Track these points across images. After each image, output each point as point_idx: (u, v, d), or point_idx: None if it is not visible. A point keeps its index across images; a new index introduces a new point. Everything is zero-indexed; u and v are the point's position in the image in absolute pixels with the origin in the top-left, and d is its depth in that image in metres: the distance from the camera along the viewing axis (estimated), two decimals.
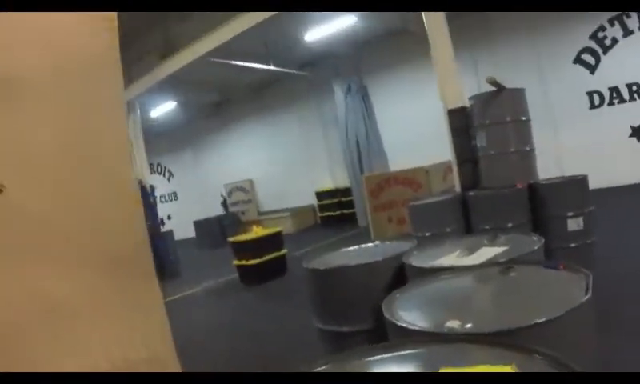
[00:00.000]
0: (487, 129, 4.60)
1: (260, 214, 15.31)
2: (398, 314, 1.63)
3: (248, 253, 7.69)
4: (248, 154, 15.73)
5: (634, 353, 2.79)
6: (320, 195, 13.80)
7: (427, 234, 4.19)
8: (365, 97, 11.28)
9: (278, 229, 8.20)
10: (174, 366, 1.67)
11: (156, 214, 10.27)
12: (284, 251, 8.03)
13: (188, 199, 18.36)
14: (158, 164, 19.49)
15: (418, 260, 2.36)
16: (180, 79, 10.85)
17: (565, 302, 1.41)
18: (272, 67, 10.94)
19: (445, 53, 5.42)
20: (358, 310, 2.48)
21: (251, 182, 15.64)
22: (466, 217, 4.42)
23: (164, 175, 19.44)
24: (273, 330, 5.12)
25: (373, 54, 11.57)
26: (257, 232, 7.99)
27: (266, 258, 7.61)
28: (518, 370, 1.07)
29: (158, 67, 9.43)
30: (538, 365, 1.11)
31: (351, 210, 12.15)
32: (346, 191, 12.53)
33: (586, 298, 1.44)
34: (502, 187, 4.35)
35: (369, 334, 2.31)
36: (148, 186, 10.11)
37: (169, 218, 19.40)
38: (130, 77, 10.02)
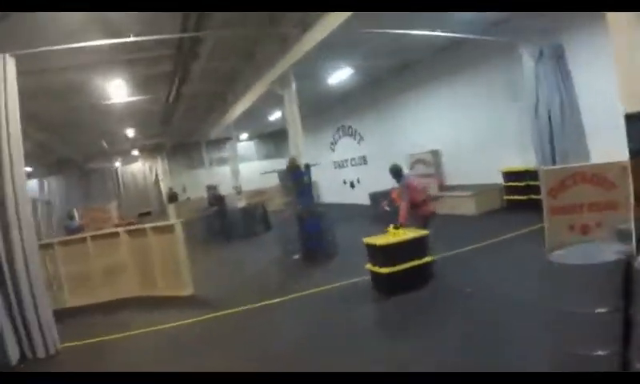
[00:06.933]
0: None
1: (441, 189, 14.07)
2: None
3: (379, 259, 6.90)
4: (431, 123, 14.36)
5: None
6: (507, 175, 11.87)
7: None
8: (560, 62, 8.74)
9: (418, 233, 7.08)
10: None
11: (310, 194, 10.17)
12: (426, 259, 6.85)
13: (375, 165, 18.16)
14: (349, 126, 19.69)
15: None
16: (355, 44, 10.54)
17: None
18: (451, 34, 9.55)
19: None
20: None
21: (435, 153, 14.33)
22: None
23: (354, 137, 19.57)
24: None
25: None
26: (392, 235, 7.10)
27: (400, 267, 6.62)
28: None
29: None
30: None
31: (540, 196, 10.13)
32: (536, 174, 10.38)
33: None
34: None
35: None
36: (302, 165, 10.06)
37: (358, 181, 19.76)
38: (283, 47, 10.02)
